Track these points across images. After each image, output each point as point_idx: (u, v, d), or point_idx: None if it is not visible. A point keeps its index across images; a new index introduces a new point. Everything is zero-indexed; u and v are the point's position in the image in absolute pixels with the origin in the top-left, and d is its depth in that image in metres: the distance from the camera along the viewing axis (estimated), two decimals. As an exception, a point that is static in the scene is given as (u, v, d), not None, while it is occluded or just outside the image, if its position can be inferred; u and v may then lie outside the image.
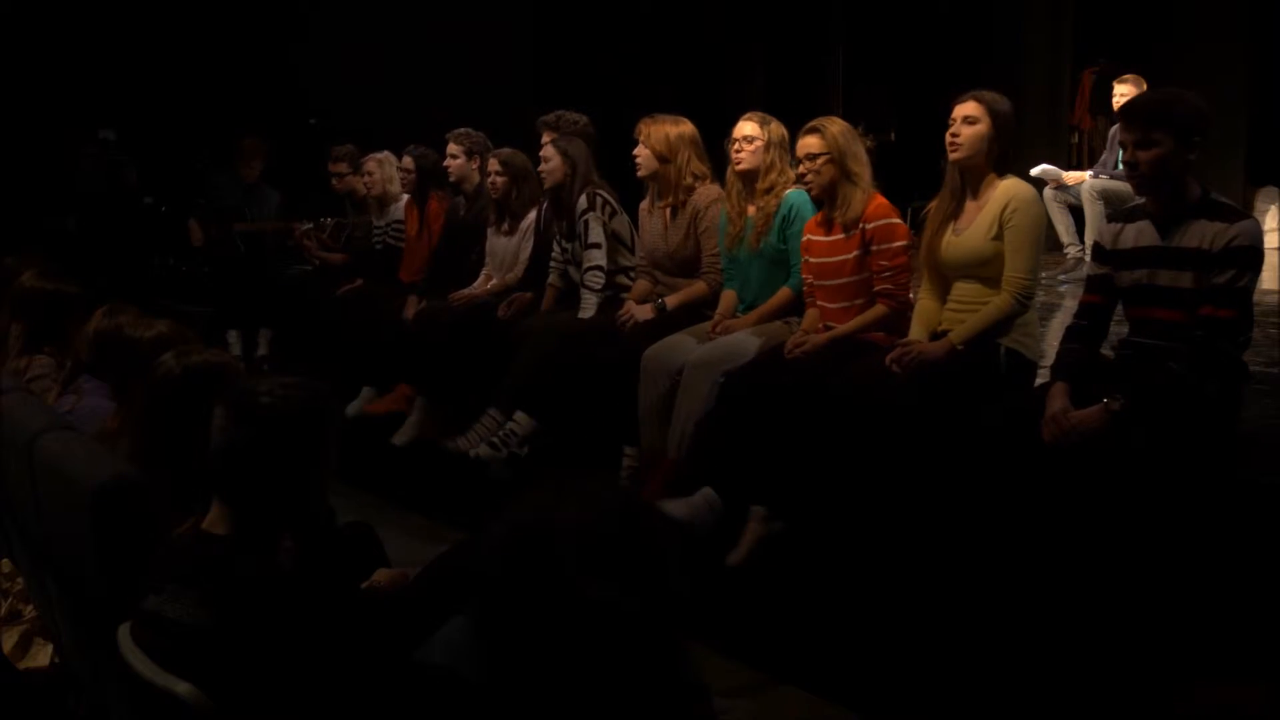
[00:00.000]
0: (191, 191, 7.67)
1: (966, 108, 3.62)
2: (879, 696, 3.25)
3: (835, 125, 3.99)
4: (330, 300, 6.17)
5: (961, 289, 3.72)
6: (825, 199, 4.02)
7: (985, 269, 3.65)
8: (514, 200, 5.35)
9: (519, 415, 4.69)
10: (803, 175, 3.99)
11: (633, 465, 4.31)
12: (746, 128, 4.27)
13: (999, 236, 3.60)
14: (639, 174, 4.67)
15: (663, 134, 4.56)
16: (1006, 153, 3.65)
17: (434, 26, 8.38)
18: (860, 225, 3.95)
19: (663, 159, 4.57)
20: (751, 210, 4.30)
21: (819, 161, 3.94)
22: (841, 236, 3.99)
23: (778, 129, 4.28)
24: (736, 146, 4.27)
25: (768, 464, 3.76)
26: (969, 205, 3.69)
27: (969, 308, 3.68)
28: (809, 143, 3.96)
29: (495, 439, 4.67)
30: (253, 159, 7.34)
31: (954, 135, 3.62)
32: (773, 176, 4.25)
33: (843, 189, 3.96)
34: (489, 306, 5.24)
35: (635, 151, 4.63)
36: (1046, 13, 8.17)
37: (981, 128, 3.60)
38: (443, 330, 5.23)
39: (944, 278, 3.78)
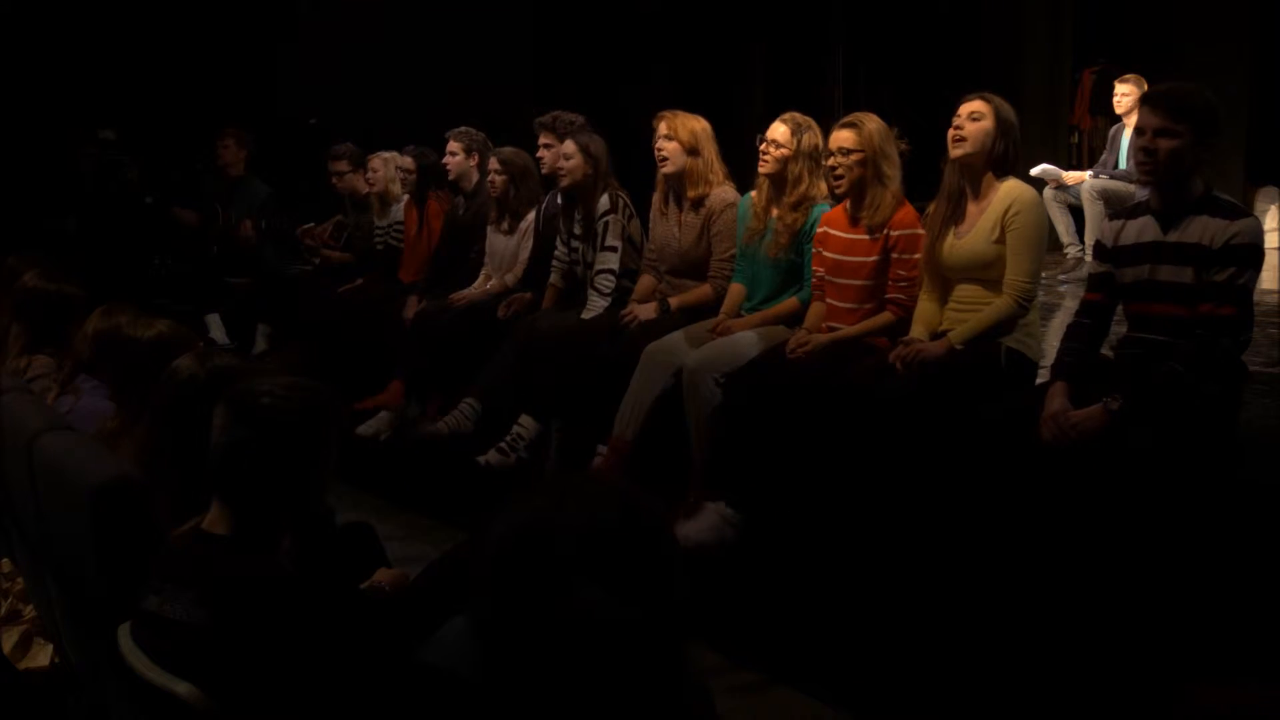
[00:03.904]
0: (184, 188, 7.67)
1: (973, 105, 3.62)
2: (878, 697, 3.25)
3: (872, 123, 3.90)
4: (330, 300, 6.17)
5: (963, 290, 3.72)
6: (851, 196, 3.94)
7: (987, 271, 3.65)
8: (513, 199, 5.34)
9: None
10: (832, 169, 3.91)
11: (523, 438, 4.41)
12: (778, 131, 4.17)
13: (1001, 239, 3.60)
14: (666, 169, 4.54)
15: (689, 128, 4.48)
16: (1007, 155, 3.64)
17: (434, 26, 8.38)
18: (885, 230, 3.89)
19: (691, 151, 4.48)
20: (775, 212, 4.24)
21: (851, 159, 3.86)
22: (865, 237, 3.94)
23: (810, 139, 4.15)
24: (764, 148, 4.18)
25: (769, 463, 3.76)
26: (970, 208, 3.69)
27: (970, 309, 3.68)
28: (843, 137, 3.88)
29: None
30: (234, 152, 7.30)
31: (958, 129, 3.61)
32: (801, 190, 4.16)
33: (872, 190, 3.89)
34: (488, 307, 5.23)
35: (660, 146, 4.51)
36: (1046, 13, 8.17)
37: (986, 124, 3.60)
38: (442, 330, 5.23)
39: (945, 280, 3.77)
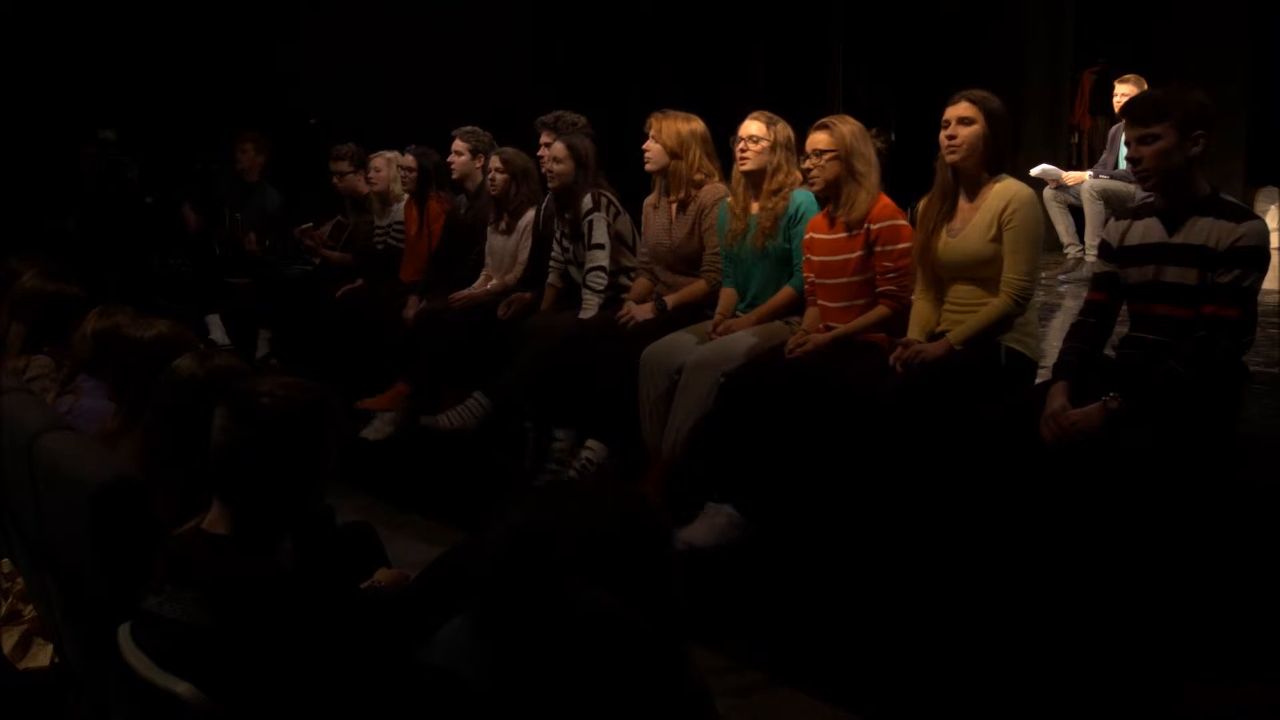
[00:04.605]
0: (189, 188, 7.66)
1: (960, 109, 3.61)
2: (879, 697, 3.25)
3: (846, 124, 3.97)
4: (330, 300, 6.17)
5: (959, 291, 3.71)
6: (829, 196, 4.01)
7: (983, 270, 3.64)
8: (512, 199, 5.35)
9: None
10: (808, 170, 3.99)
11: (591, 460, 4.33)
12: (752, 127, 4.26)
13: (997, 238, 3.59)
14: (647, 168, 4.65)
15: (674, 130, 4.56)
16: (1002, 152, 3.64)
17: (434, 26, 8.38)
18: (865, 225, 3.94)
19: (673, 154, 4.56)
20: (755, 208, 4.29)
21: (824, 158, 3.93)
22: (844, 236, 3.99)
23: (784, 130, 4.26)
24: (742, 146, 4.25)
25: (768, 464, 3.76)
26: (963, 206, 3.68)
27: (967, 310, 3.67)
28: (817, 139, 3.95)
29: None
30: (251, 156, 7.28)
31: (951, 138, 3.61)
32: (780, 178, 4.24)
33: (847, 188, 3.95)
34: (489, 307, 5.24)
35: (645, 146, 4.61)
36: (1046, 13, 8.17)
37: (977, 128, 3.59)
38: (443, 330, 5.23)
39: (939, 280, 3.77)
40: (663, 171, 4.63)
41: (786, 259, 4.27)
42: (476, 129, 5.68)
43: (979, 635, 3.16)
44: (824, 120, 4.00)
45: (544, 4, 8.84)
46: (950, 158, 3.63)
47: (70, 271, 3.97)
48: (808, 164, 3.99)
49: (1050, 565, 3.04)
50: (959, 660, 3.16)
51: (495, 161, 5.34)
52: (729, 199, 4.41)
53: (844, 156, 3.92)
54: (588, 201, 4.88)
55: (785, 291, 4.27)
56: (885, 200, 3.98)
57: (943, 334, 3.69)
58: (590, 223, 4.87)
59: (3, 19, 7.94)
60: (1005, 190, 3.61)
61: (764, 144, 4.23)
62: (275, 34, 8.66)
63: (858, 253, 3.97)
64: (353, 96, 8.06)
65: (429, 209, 6.00)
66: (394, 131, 6.55)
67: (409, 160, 6.00)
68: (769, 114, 4.31)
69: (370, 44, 8.33)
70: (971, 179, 3.66)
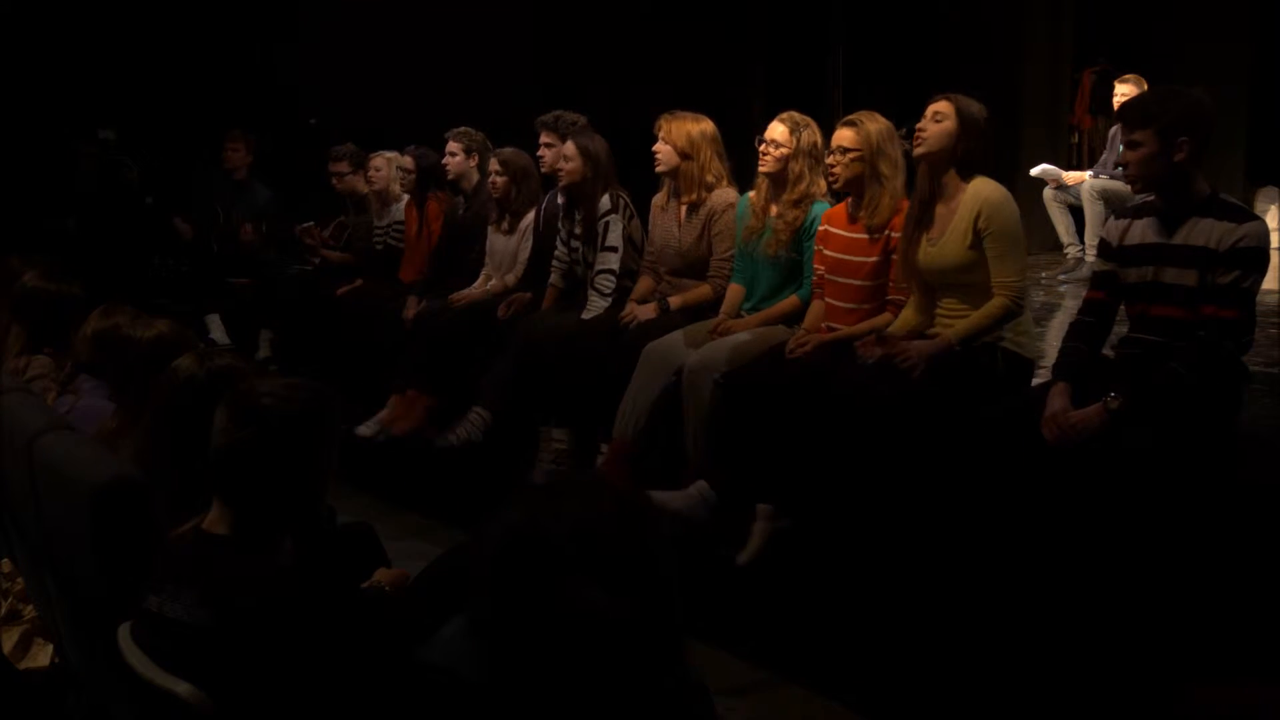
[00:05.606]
0: (184, 190, 7.67)
1: (936, 105, 3.61)
2: (880, 696, 3.25)
3: (874, 124, 3.89)
4: (330, 300, 6.17)
5: (947, 304, 3.70)
6: (850, 194, 3.95)
7: (967, 275, 3.63)
8: (514, 199, 5.34)
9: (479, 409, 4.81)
10: (830, 166, 3.93)
11: (561, 449, 4.40)
12: (777, 130, 4.18)
13: (976, 245, 3.58)
14: (658, 170, 4.59)
15: (684, 131, 4.51)
16: (973, 156, 3.61)
17: (434, 26, 8.38)
18: (886, 232, 3.88)
19: (684, 155, 4.51)
20: (774, 211, 4.25)
21: (848, 157, 3.86)
22: (865, 238, 3.93)
23: (809, 136, 4.16)
24: (763, 148, 4.19)
25: (769, 463, 3.76)
26: (939, 210, 3.66)
27: (957, 318, 3.66)
28: (843, 135, 3.89)
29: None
30: (242, 155, 7.29)
31: (920, 130, 3.60)
32: (800, 188, 4.15)
33: (870, 190, 3.88)
34: (488, 307, 5.23)
35: (656, 147, 4.56)
36: (1046, 13, 8.16)
37: (948, 125, 3.58)
38: (442, 330, 5.23)
39: (927, 286, 3.74)
40: (673, 173, 4.57)
41: (796, 269, 4.24)
42: (469, 129, 5.67)
43: (980, 634, 3.16)
44: (852, 116, 3.92)
45: (543, 4, 8.83)
46: (916, 150, 3.62)
47: (70, 271, 3.96)
48: (830, 159, 3.92)
49: (1052, 565, 3.04)
50: (960, 659, 3.16)
51: (494, 164, 5.32)
52: (751, 194, 4.34)
53: (868, 157, 3.85)
54: (605, 202, 4.83)
55: (790, 301, 4.25)
56: (909, 205, 3.91)
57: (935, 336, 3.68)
58: (606, 224, 4.82)
59: (2, 19, 7.93)
60: (977, 194, 3.59)
61: (784, 150, 4.15)
62: (275, 34, 8.66)
63: (875, 257, 3.91)
64: (352, 96, 8.05)
65: (429, 209, 6.00)
66: (394, 132, 6.55)
67: (408, 161, 6.01)
68: (797, 119, 4.20)
69: (369, 44, 8.32)
70: (942, 179, 3.63)
